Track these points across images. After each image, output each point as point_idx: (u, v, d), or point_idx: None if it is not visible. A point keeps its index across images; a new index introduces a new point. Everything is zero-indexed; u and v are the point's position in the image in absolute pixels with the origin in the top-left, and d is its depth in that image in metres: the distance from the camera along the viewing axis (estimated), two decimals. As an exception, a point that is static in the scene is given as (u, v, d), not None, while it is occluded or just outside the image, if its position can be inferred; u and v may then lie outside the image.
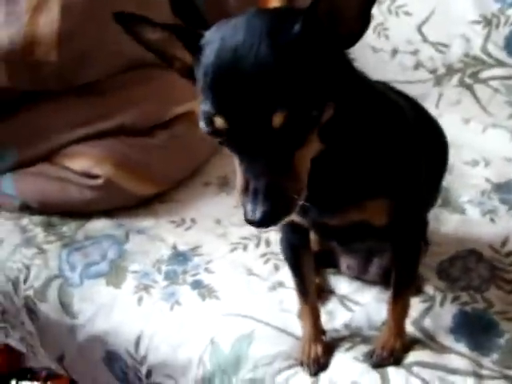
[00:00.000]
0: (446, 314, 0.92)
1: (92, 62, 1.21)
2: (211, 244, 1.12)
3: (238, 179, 0.58)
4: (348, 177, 0.70)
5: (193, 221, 1.20)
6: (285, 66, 0.54)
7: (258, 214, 0.55)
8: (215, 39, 0.58)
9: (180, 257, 1.10)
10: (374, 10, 1.44)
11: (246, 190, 0.57)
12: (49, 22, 1.18)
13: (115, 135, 1.21)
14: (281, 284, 1.01)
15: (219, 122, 0.56)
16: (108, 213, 1.24)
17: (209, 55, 0.58)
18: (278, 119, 0.54)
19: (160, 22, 0.64)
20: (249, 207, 0.56)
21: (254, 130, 0.55)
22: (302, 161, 0.58)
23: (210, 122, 0.57)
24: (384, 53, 1.52)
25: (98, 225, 1.23)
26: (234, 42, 0.56)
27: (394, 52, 1.51)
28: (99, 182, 1.19)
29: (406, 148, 0.75)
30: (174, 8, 1.47)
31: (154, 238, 1.16)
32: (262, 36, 0.55)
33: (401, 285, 0.85)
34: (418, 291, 0.96)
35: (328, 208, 0.73)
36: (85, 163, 1.19)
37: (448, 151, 0.98)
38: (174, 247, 1.13)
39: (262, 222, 0.56)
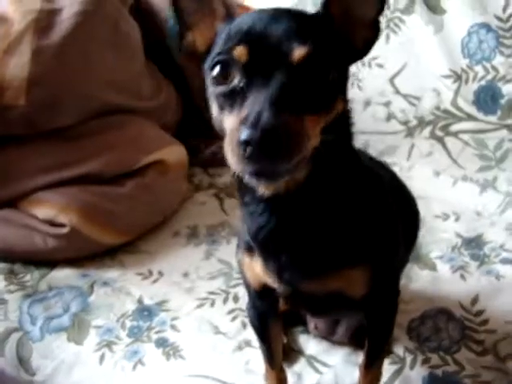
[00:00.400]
0: (417, 377, 0.90)
1: (61, 107, 1.19)
2: (178, 299, 1.09)
3: (236, 118, 0.55)
4: (330, 241, 0.69)
5: (160, 273, 1.17)
6: (307, 32, 0.58)
7: (257, 131, 0.50)
8: (248, 14, 0.62)
9: (145, 311, 1.07)
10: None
11: (247, 115, 0.53)
12: (19, 65, 1.17)
13: (82, 183, 1.18)
14: (247, 343, 0.98)
15: (239, 50, 0.57)
16: (73, 261, 1.21)
17: (239, 19, 0.61)
18: (297, 52, 0.55)
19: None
20: (248, 127, 0.51)
21: (273, 62, 0.55)
22: (311, 128, 0.56)
23: (227, 51, 0.57)
24: (357, 103, 1.53)
25: (62, 274, 1.19)
26: (264, 13, 0.60)
27: (367, 103, 1.53)
28: (64, 230, 1.16)
29: (385, 214, 0.75)
30: (148, 53, 1.47)
31: (120, 290, 1.13)
32: (289, 16, 0.60)
33: (374, 354, 0.83)
34: (388, 352, 0.95)
35: (306, 272, 0.71)
36: (50, 211, 1.16)
37: (419, 218, 0.98)
38: (140, 301, 1.09)
39: (261, 141, 0.50)
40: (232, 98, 0.57)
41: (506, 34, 1.40)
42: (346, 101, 0.63)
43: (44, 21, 1.19)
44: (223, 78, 0.58)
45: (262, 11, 0.61)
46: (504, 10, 1.39)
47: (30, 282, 1.17)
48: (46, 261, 1.20)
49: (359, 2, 0.62)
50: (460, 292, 1.09)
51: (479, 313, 1.03)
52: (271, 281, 0.72)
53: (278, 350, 0.86)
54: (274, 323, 0.84)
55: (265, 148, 0.50)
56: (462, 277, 1.13)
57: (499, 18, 1.39)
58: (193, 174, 1.44)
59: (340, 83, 0.61)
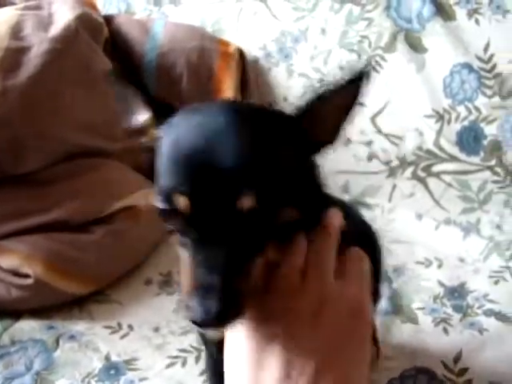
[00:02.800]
0: None
1: (27, 151, 1.14)
2: (147, 356, 1.03)
3: (187, 274, 0.51)
4: None
5: (130, 327, 1.11)
6: (259, 158, 0.51)
7: (206, 313, 0.49)
8: (186, 121, 0.55)
9: (112, 370, 1.01)
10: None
11: (195, 286, 0.50)
12: (-16, 107, 1.11)
13: (48, 230, 1.13)
14: (219, 410, 0.92)
15: (182, 201, 0.50)
16: (39, 312, 1.14)
17: (179, 134, 0.54)
18: (245, 201, 0.49)
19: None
20: (197, 304, 0.49)
21: (219, 212, 0.49)
22: (259, 269, 0.53)
23: (169, 199, 0.51)
24: (338, 143, 1.49)
25: (27, 326, 1.12)
26: (210, 123, 0.53)
27: (348, 142, 1.49)
28: (28, 281, 1.10)
29: None
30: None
31: (87, 345, 1.07)
32: (243, 127, 0.53)
33: None
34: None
35: None
36: (13, 261, 1.10)
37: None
38: (107, 358, 1.03)
39: (210, 323, 0.49)
40: (182, 235, 0.53)
41: (488, 75, 1.37)
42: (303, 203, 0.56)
43: (11, 60, 1.14)
44: (168, 218, 0.53)
45: (208, 116, 0.54)
46: (485, 50, 1.37)
47: (-9, 335, 1.11)
48: (9, 312, 1.13)
49: (334, 115, 0.59)
50: (442, 348, 1.04)
51: (462, 372, 0.99)
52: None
53: None
54: None
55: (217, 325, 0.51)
56: (445, 330, 1.09)
57: (481, 59, 1.37)
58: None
59: (294, 195, 0.55)
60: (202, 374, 0.99)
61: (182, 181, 0.51)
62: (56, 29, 1.21)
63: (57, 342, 1.08)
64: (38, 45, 1.18)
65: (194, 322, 0.50)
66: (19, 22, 1.21)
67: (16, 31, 1.18)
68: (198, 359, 1.02)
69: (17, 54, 1.15)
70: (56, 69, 1.18)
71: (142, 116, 1.35)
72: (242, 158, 0.50)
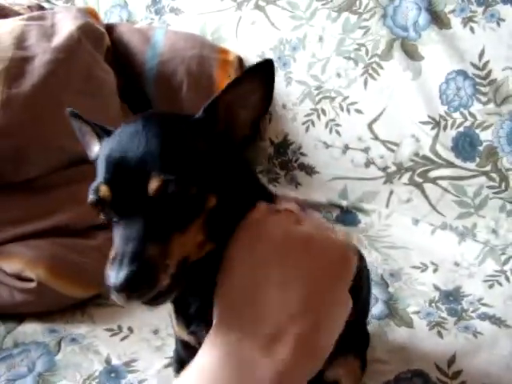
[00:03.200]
0: None
1: (30, 158, 1.16)
2: (146, 358, 1.05)
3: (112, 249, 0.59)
4: None
5: (130, 329, 1.13)
6: (163, 149, 0.59)
7: (119, 277, 0.54)
8: (117, 131, 0.64)
9: (112, 373, 1.03)
10: (327, 106, 1.47)
11: (113, 256, 0.57)
12: (-12, 116, 1.14)
13: (51, 235, 1.15)
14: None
15: (103, 190, 0.58)
16: (41, 316, 1.17)
17: (107, 142, 0.64)
18: (153, 185, 0.57)
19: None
20: (113, 271, 0.55)
21: (133, 197, 0.57)
22: (178, 246, 0.58)
23: (96, 191, 0.59)
24: (335, 148, 1.52)
25: (30, 329, 1.14)
26: (129, 131, 0.62)
27: (346, 148, 1.51)
28: (31, 285, 1.12)
29: None
30: (123, 95, 1.45)
31: (88, 348, 1.09)
32: (154, 126, 0.61)
33: None
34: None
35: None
36: (16, 265, 1.12)
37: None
38: (108, 361, 1.05)
39: (122, 286, 0.54)
40: (109, 220, 0.61)
41: (483, 82, 1.40)
42: (224, 192, 0.61)
43: (15, 69, 1.17)
44: (99, 211, 0.61)
45: (129, 126, 0.62)
46: (480, 58, 1.39)
47: (-5, 338, 1.13)
48: (12, 315, 1.16)
49: (247, 107, 0.63)
50: (437, 351, 1.06)
51: (456, 374, 1.01)
52: (182, 333, 0.74)
53: None
54: None
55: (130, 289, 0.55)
56: (440, 334, 1.11)
57: (476, 66, 1.40)
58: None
59: (211, 184, 0.61)
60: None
61: (105, 175, 0.59)
62: (59, 39, 1.24)
63: (59, 344, 1.10)
64: (41, 54, 1.20)
65: (113, 288, 0.55)
66: (23, 32, 1.24)
67: (20, 41, 1.21)
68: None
69: (21, 63, 1.18)
70: (59, 78, 1.21)
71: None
72: (148, 150, 0.59)
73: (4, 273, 1.14)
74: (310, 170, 1.55)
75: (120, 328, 1.14)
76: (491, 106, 1.40)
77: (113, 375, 1.02)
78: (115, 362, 1.05)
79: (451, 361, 1.03)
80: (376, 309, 1.15)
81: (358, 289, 0.86)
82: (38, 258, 1.13)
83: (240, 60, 1.58)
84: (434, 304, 1.18)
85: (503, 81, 1.38)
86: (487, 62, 1.39)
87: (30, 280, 1.12)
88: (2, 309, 1.15)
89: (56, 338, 1.12)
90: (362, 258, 0.93)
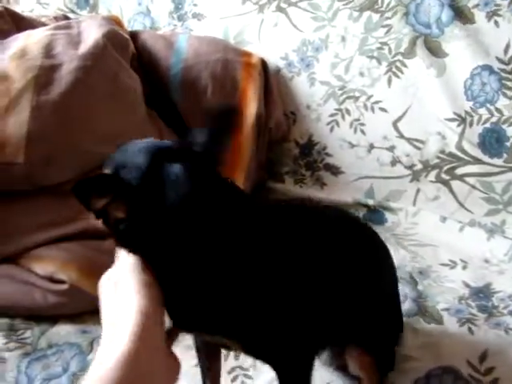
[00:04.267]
0: None
1: (61, 163, 1.19)
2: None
3: None
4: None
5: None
6: None
7: None
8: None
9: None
10: (351, 106, 1.47)
11: None
12: (19, 122, 1.17)
13: (80, 238, 1.17)
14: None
15: None
16: (74, 317, 1.19)
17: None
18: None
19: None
20: None
21: None
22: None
23: None
24: (360, 148, 1.52)
25: (63, 331, 1.16)
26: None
27: (371, 147, 1.51)
28: (64, 287, 1.14)
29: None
30: (148, 100, 1.47)
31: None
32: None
33: None
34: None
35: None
36: (49, 267, 1.15)
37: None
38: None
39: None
40: None
41: (509, 76, 1.38)
42: None
43: (44, 77, 1.20)
44: None
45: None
46: (505, 52, 1.38)
47: (29, 339, 1.15)
48: (46, 317, 1.18)
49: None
50: (468, 347, 1.05)
51: (488, 371, 0.99)
52: None
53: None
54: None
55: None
56: (470, 330, 1.09)
57: (501, 61, 1.38)
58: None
59: None
60: (230, 372, 1.01)
61: None
62: (85, 46, 1.27)
63: (91, 345, 1.12)
64: (68, 62, 1.23)
65: None
66: (51, 41, 1.27)
67: (48, 50, 1.24)
68: (226, 357, 1.04)
69: (49, 71, 1.20)
70: (86, 84, 1.23)
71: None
72: None
73: (37, 275, 1.17)
74: (335, 170, 1.56)
75: (150, 326, 1.15)
76: (517, 99, 1.39)
77: (144, 374, 1.03)
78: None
79: (483, 357, 1.02)
80: (405, 306, 1.13)
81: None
82: (70, 260, 1.15)
83: (263, 62, 1.59)
84: (463, 301, 1.17)
85: (529, 74, 1.37)
86: (513, 56, 1.38)
87: (62, 282, 1.15)
88: (35, 311, 1.18)
89: (88, 339, 1.14)
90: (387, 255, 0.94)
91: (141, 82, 1.45)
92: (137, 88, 1.39)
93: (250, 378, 1.01)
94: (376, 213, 1.49)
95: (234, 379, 1.01)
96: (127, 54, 1.44)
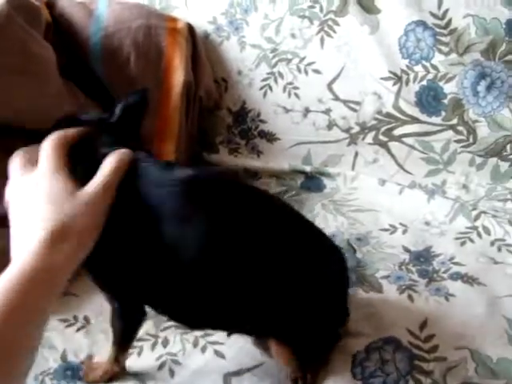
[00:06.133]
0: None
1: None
2: (104, 350, 0.98)
3: None
4: None
5: (86, 319, 1.07)
6: None
7: None
8: None
9: (68, 371, 0.97)
10: (283, 69, 1.40)
11: None
12: None
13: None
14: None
15: None
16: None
17: None
18: None
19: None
20: None
21: None
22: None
23: None
24: (296, 113, 1.46)
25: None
26: None
27: (306, 112, 1.45)
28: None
29: None
30: (66, 72, 1.36)
31: (44, 343, 1.02)
32: None
33: None
34: None
35: None
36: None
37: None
38: (64, 358, 0.99)
39: None
40: None
41: (443, 31, 1.33)
42: None
43: None
44: None
45: None
46: (439, 6, 1.32)
47: None
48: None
49: None
50: (408, 316, 1.01)
51: (428, 338, 0.96)
52: None
53: None
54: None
55: None
56: (410, 297, 1.06)
57: (435, 15, 1.33)
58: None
59: None
60: (157, 359, 0.95)
61: None
62: (-15, 15, 1.14)
63: (11, 342, 1.04)
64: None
65: None
66: None
67: None
68: (154, 346, 0.98)
69: None
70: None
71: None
72: None
73: None
74: (270, 137, 1.49)
75: (76, 319, 1.07)
76: (453, 56, 1.34)
77: (69, 373, 0.96)
78: (71, 358, 0.99)
79: (423, 324, 0.99)
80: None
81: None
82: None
83: (190, 27, 1.49)
84: (404, 267, 1.13)
85: (464, 29, 1.32)
86: (447, 10, 1.33)
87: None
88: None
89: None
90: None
91: (57, 53, 1.34)
92: (49, 59, 1.28)
93: (178, 363, 0.95)
94: (314, 179, 1.44)
95: (162, 365, 0.95)
96: (38, 23, 1.32)
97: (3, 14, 1.18)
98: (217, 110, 1.52)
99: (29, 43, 1.23)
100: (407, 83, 1.38)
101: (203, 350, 0.98)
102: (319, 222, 1.26)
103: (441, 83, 1.36)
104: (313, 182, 1.43)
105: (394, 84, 1.38)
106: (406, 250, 1.18)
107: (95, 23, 1.45)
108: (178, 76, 1.42)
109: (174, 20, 1.49)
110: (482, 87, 1.33)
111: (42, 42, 1.29)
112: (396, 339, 0.96)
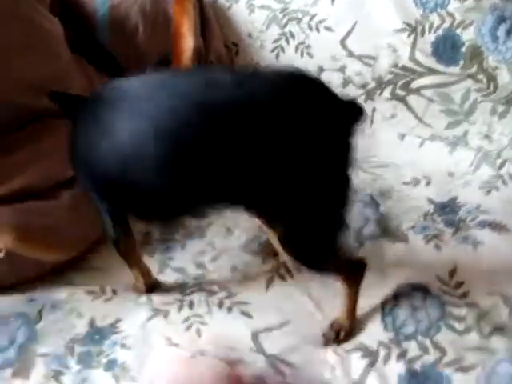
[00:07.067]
0: (391, 374, 0.81)
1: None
2: (131, 315, 0.99)
3: None
4: None
5: (114, 291, 1.06)
6: None
7: None
8: None
9: (96, 335, 0.97)
10: (294, 28, 1.37)
11: None
12: None
13: (14, 200, 1.07)
14: (202, 353, 0.88)
15: None
16: (18, 285, 1.10)
17: None
18: None
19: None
20: None
21: None
22: None
23: None
24: (310, 72, 1.42)
25: (8, 301, 1.08)
26: None
27: (320, 70, 1.41)
28: (0, 255, 1.05)
29: None
30: (74, 45, 1.35)
31: (70, 313, 1.02)
32: None
33: None
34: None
35: None
36: (-19, 235, 1.05)
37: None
38: (91, 324, 0.99)
39: None
40: None
41: (458, -24, 1.29)
42: None
43: None
44: None
45: None
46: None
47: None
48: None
49: None
50: (436, 264, 1.00)
51: (458, 285, 0.95)
52: None
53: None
54: None
55: None
56: (437, 246, 1.04)
57: (448, -40, 1.28)
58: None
59: None
60: (184, 321, 0.95)
61: None
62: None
63: (39, 313, 1.04)
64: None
65: None
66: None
67: None
68: (180, 308, 0.98)
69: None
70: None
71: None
72: None
73: (-30, 244, 1.07)
74: (285, 99, 1.46)
75: (103, 290, 1.07)
76: (470, 1, 1.30)
77: (97, 337, 0.96)
78: (99, 323, 0.99)
79: (452, 272, 0.97)
80: (367, 229, 1.07)
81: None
82: (3, 227, 1.05)
83: (198, -7, 1.46)
84: (429, 217, 1.11)
85: (479, -29, 1.27)
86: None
87: (-1, 250, 1.05)
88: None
89: (35, 307, 1.05)
90: None
91: (63, 27, 1.32)
92: (57, 33, 1.27)
93: (204, 323, 0.94)
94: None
95: (189, 327, 0.94)
96: (46, -3, 1.30)
97: (9, -10, 1.17)
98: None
99: (36, 19, 1.22)
100: (423, 34, 1.34)
101: (229, 310, 0.97)
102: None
103: (458, 31, 1.32)
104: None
105: (409, 35, 1.34)
106: (431, 201, 1.16)
107: (102, -6, 1.43)
108: (188, 42, 1.40)
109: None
110: (501, 32, 1.29)
111: (49, 17, 1.28)
112: (425, 286, 0.94)
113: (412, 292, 0.93)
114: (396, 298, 0.93)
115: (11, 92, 1.13)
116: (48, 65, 1.21)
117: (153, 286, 1.04)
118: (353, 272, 0.88)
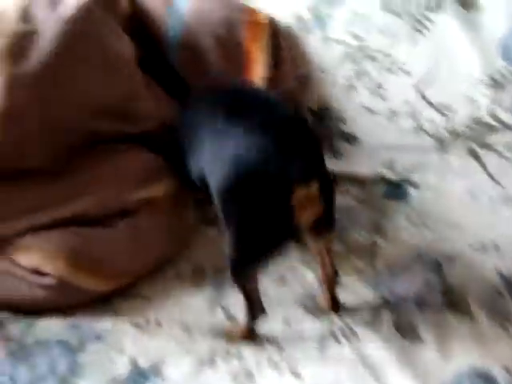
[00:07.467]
0: None
1: (43, 142, 1.07)
2: (175, 360, 0.95)
3: None
4: None
5: (158, 323, 1.03)
6: None
7: None
8: None
9: (140, 377, 0.94)
10: (368, 67, 1.32)
11: None
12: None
13: (68, 225, 1.06)
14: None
15: None
16: (63, 310, 1.08)
17: None
18: None
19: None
20: None
21: None
22: None
23: None
24: (380, 115, 1.37)
25: (51, 326, 1.05)
26: None
27: (392, 114, 1.36)
28: (51, 281, 1.04)
29: None
30: (144, 66, 1.33)
31: (112, 346, 1.00)
32: None
33: None
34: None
35: None
36: (34, 259, 1.04)
37: None
38: (134, 363, 0.96)
39: None
40: None
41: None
42: None
43: (20, 45, 1.06)
44: None
45: None
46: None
47: (16, 335, 1.05)
48: (33, 311, 1.08)
49: None
50: (503, 349, 0.93)
51: (527, 375, 0.88)
52: None
53: None
54: None
55: None
56: (505, 329, 0.97)
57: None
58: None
59: None
60: (230, 373, 0.91)
61: None
62: (66, 8, 1.12)
63: (81, 342, 1.02)
64: (50, 27, 1.09)
65: None
66: (28, 4, 1.12)
67: (25, 13, 1.10)
68: (227, 360, 0.94)
69: (26, 38, 1.07)
70: (70, 53, 1.10)
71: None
72: None
73: (21, 267, 1.06)
74: (352, 140, 1.41)
75: (147, 321, 1.04)
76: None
77: (141, 380, 0.94)
78: (142, 363, 0.96)
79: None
80: (430, 297, 1.02)
81: None
82: (56, 251, 1.04)
83: (272, 21, 1.42)
84: (497, 293, 1.04)
85: None
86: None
87: (48, 274, 1.04)
88: (22, 305, 1.08)
89: (78, 335, 1.03)
90: None
91: (135, 46, 1.31)
92: (129, 53, 1.25)
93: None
94: (398, 187, 1.35)
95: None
96: (117, 14, 1.29)
97: (84, 8, 1.16)
98: (297, 108, 1.45)
99: (108, 38, 1.21)
100: (505, 88, 1.27)
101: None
102: (402, 235, 1.18)
103: (543, 87, 1.24)
104: (396, 189, 1.34)
105: (491, 88, 1.27)
106: (499, 273, 1.09)
107: (174, 15, 1.41)
108: (258, 72, 1.36)
109: (255, 13, 1.43)
110: None
111: (121, 35, 1.26)
112: (490, 376, 0.88)
113: (474, 380, 0.87)
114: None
115: (73, 117, 1.11)
116: (118, 87, 1.19)
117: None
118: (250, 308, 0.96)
